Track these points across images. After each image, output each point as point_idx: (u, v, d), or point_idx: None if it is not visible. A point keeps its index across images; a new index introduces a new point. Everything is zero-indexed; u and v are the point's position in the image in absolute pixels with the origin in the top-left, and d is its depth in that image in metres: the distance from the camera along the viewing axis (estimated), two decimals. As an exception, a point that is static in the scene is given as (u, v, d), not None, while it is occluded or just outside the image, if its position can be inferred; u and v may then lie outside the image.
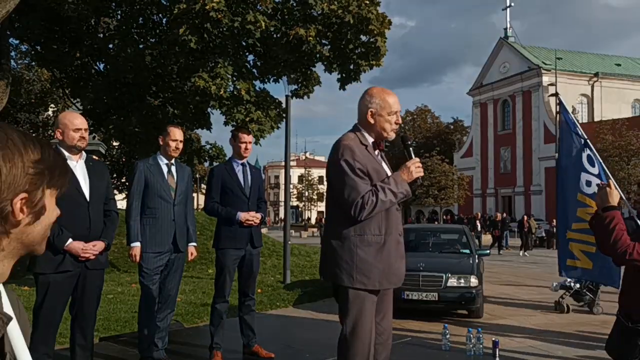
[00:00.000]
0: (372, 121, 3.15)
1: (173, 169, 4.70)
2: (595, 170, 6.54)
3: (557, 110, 7.39)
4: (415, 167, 3.08)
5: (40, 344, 3.50)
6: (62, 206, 3.01)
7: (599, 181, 6.50)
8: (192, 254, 4.90)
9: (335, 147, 3.15)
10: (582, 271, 6.78)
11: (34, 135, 1.03)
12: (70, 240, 3.58)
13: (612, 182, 3.12)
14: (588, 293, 8.56)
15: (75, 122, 3.70)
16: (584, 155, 6.66)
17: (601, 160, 6.53)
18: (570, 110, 7.05)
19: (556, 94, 7.51)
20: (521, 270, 16.14)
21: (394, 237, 3.12)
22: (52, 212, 1.03)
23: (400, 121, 3.21)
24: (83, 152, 3.84)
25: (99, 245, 3.73)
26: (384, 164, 3.23)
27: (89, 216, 3.71)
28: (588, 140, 6.62)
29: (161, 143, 4.67)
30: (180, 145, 4.70)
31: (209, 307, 5.46)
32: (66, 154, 3.66)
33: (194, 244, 4.90)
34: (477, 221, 28.93)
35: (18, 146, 0.95)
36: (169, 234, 4.55)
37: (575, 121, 6.96)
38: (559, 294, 8.85)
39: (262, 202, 5.26)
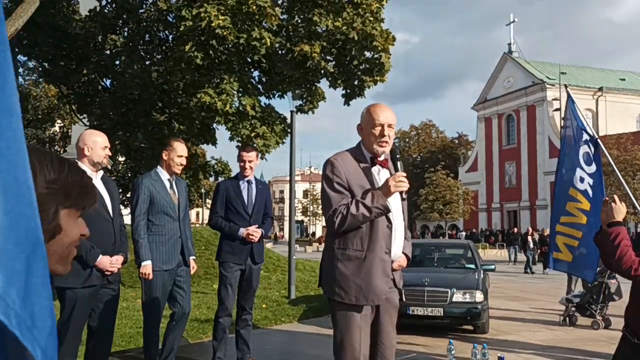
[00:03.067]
0: (360, 136, 3.20)
1: (174, 184, 4.65)
2: (592, 169, 6.52)
3: (566, 104, 7.34)
4: (395, 182, 2.96)
5: (67, 356, 3.59)
6: (91, 223, 3.07)
7: (591, 181, 6.51)
8: (192, 267, 4.91)
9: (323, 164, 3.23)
10: (567, 264, 6.81)
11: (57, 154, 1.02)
12: (100, 256, 3.69)
13: (617, 197, 3.12)
14: (590, 308, 8.51)
15: (103, 141, 3.87)
16: (581, 151, 6.64)
17: (609, 157, 6.51)
18: (585, 123, 7.06)
19: (565, 87, 7.46)
20: (527, 285, 16.05)
21: (377, 253, 3.05)
22: (71, 232, 1.02)
23: (387, 134, 3.06)
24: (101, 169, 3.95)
25: (121, 260, 3.86)
26: (384, 179, 3.14)
27: (114, 231, 3.84)
28: (589, 136, 6.56)
29: (165, 158, 4.55)
30: (185, 162, 4.63)
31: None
32: (88, 170, 3.74)
33: (193, 257, 4.91)
34: (530, 237, 23.90)
35: (33, 164, 0.93)
36: (177, 250, 4.56)
37: (581, 115, 6.94)
38: (566, 309, 8.81)
39: (267, 218, 5.29)
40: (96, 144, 3.82)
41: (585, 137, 6.65)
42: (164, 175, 4.58)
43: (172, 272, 4.54)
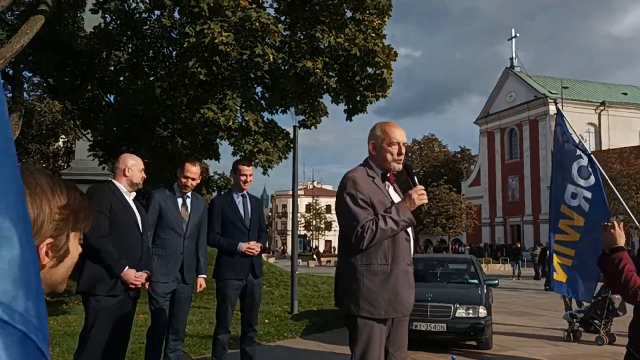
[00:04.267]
0: (374, 153, 3.24)
1: (188, 201, 4.79)
2: (590, 182, 6.48)
3: (556, 121, 7.35)
4: (417, 195, 3.10)
5: None
6: (122, 237, 3.52)
7: (589, 194, 6.47)
8: (200, 285, 4.92)
9: (341, 180, 3.25)
10: (563, 286, 6.78)
11: (58, 177, 1.05)
12: (127, 268, 3.80)
13: (616, 222, 3.15)
14: (594, 323, 8.47)
15: (140, 164, 4.13)
16: (576, 166, 6.61)
17: (602, 171, 6.47)
18: (577, 139, 7.07)
19: (555, 102, 7.50)
20: (530, 300, 15.98)
21: (401, 266, 3.13)
22: (75, 253, 1.06)
23: (403, 152, 3.22)
24: None
25: (144, 276, 3.96)
26: (395, 196, 3.27)
27: (142, 247, 3.98)
28: (582, 148, 6.56)
29: (178, 176, 4.81)
30: (193, 182, 4.80)
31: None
32: (123, 188, 3.99)
33: (204, 276, 4.94)
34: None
35: (46, 192, 0.97)
36: (176, 266, 4.59)
37: (571, 129, 6.94)
38: (570, 324, 8.76)
39: (262, 232, 5.32)
40: (135, 167, 4.07)
41: (578, 152, 6.65)
42: (178, 192, 4.80)
43: (168, 286, 4.57)
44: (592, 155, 6.61)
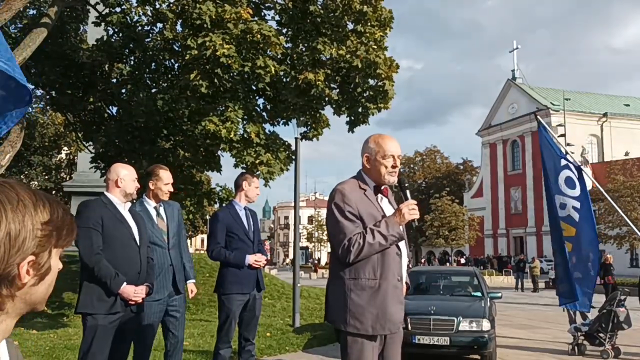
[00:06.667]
0: (368, 166, 3.18)
1: (161, 210, 4.52)
2: (576, 192, 6.49)
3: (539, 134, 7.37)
4: (408, 210, 3.02)
5: None
6: (118, 251, 3.26)
7: (577, 204, 6.48)
8: (192, 291, 4.83)
9: (330, 193, 3.20)
10: (562, 299, 6.86)
11: (47, 185, 1.01)
12: (124, 284, 3.66)
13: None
14: (599, 337, 8.38)
15: (133, 173, 3.97)
16: (562, 176, 6.62)
17: (592, 181, 6.49)
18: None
19: (535, 115, 7.51)
20: (535, 314, 15.86)
21: (390, 281, 3.05)
22: (56, 269, 1.01)
23: (398, 164, 3.16)
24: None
25: (145, 290, 3.81)
26: (389, 208, 3.21)
27: (140, 261, 3.83)
28: (568, 159, 6.57)
29: (152, 187, 4.44)
30: (172, 188, 4.54)
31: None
32: (116, 200, 3.85)
33: (193, 280, 4.83)
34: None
35: (28, 207, 0.94)
36: (168, 280, 4.45)
37: (555, 141, 6.96)
38: (574, 337, 8.68)
39: (260, 244, 5.29)
40: (128, 177, 3.91)
41: (564, 162, 6.65)
42: (150, 203, 4.48)
43: (162, 302, 4.41)
44: (581, 167, 6.63)
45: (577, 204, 6.54)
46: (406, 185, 3.22)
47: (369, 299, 3.00)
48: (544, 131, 7.05)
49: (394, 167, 3.14)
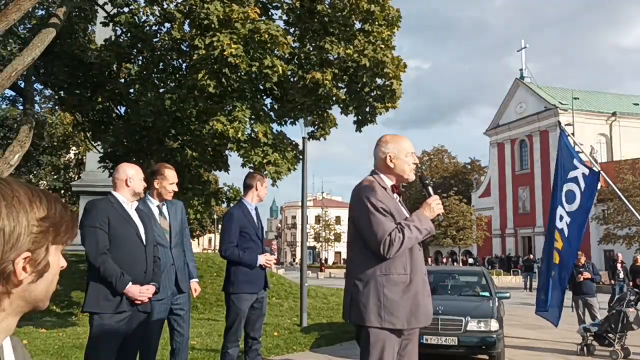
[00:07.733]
0: (391, 165, 3.23)
1: (164, 209, 4.52)
2: (572, 207, 6.49)
3: (559, 141, 7.33)
4: (435, 204, 3.15)
5: None
6: (124, 250, 3.24)
7: (569, 219, 6.49)
8: (195, 290, 4.83)
9: (357, 189, 3.21)
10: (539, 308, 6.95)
11: (54, 180, 1.01)
12: (130, 283, 3.65)
13: None
14: (608, 337, 8.33)
15: (140, 172, 4.00)
16: (565, 189, 6.62)
17: (608, 181, 6.48)
18: (588, 150, 7.07)
19: (559, 123, 7.51)
20: (543, 313, 15.77)
21: (419, 276, 3.13)
22: (56, 267, 1.00)
23: (417, 161, 3.30)
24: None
25: (152, 289, 3.79)
26: (401, 206, 3.27)
27: (146, 260, 3.82)
28: (586, 166, 6.53)
29: (157, 187, 4.43)
30: (176, 187, 4.53)
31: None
32: (124, 199, 3.85)
33: (196, 279, 4.83)
34: (618, 264, 17.13)
35: (23, 203, 0.93)
36: (170, 279, 4.44)
37: (577, 149, 6.95)
38: (583, 338, 8.63)
39: (263, 244, 5.32)
40: (136, 176, 3.93)
41: (574, 174, 6.59)
42: (153, 202, 4.48)
43: (166, 302, 4.40)
44: (601, 172, 6.58)
45: (569, 220, 6.57)
46: (427, 181, 3.31)
47: (402, 293, 3.05)
48: (565, 138, 7.02)
49: (414, 164, 3.28)
